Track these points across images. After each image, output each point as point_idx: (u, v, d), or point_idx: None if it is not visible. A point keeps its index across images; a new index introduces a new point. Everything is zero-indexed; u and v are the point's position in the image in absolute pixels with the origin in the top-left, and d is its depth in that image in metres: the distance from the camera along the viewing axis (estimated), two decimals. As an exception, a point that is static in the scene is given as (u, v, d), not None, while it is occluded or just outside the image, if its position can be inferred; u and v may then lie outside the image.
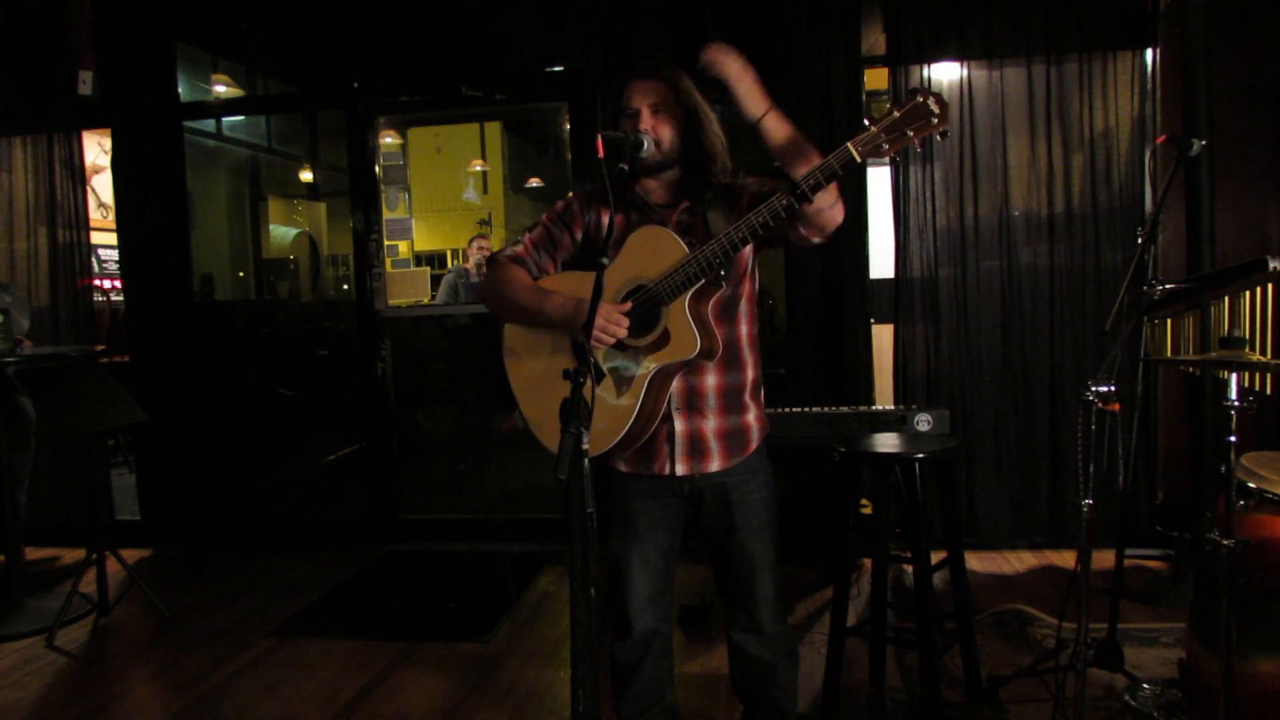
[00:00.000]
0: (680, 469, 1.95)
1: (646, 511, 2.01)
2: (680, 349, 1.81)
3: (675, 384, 1.91)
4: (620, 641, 2.06)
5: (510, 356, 2.07)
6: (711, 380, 1.95)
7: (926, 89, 1.66)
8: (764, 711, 2.11)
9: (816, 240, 1.83)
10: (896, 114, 1.65)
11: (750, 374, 2.01)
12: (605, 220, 2.00)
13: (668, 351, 1.82)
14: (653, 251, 1.83)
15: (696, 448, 1.95)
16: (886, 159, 1.69)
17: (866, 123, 1.67)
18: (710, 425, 1.95)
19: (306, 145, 8.32)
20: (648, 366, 1.84)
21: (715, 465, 1.96)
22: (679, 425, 1.94)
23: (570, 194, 2.10)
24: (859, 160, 1.65)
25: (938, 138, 1.67)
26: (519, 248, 2.06)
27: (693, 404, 1.94)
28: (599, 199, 2.04)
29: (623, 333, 1.81)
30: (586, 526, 1.46)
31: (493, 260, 2.07)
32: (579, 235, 2.04)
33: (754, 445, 2.01)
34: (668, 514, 2.02)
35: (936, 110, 1.63)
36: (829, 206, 1.76)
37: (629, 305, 1.83)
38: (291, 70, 5.85)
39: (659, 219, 1.95)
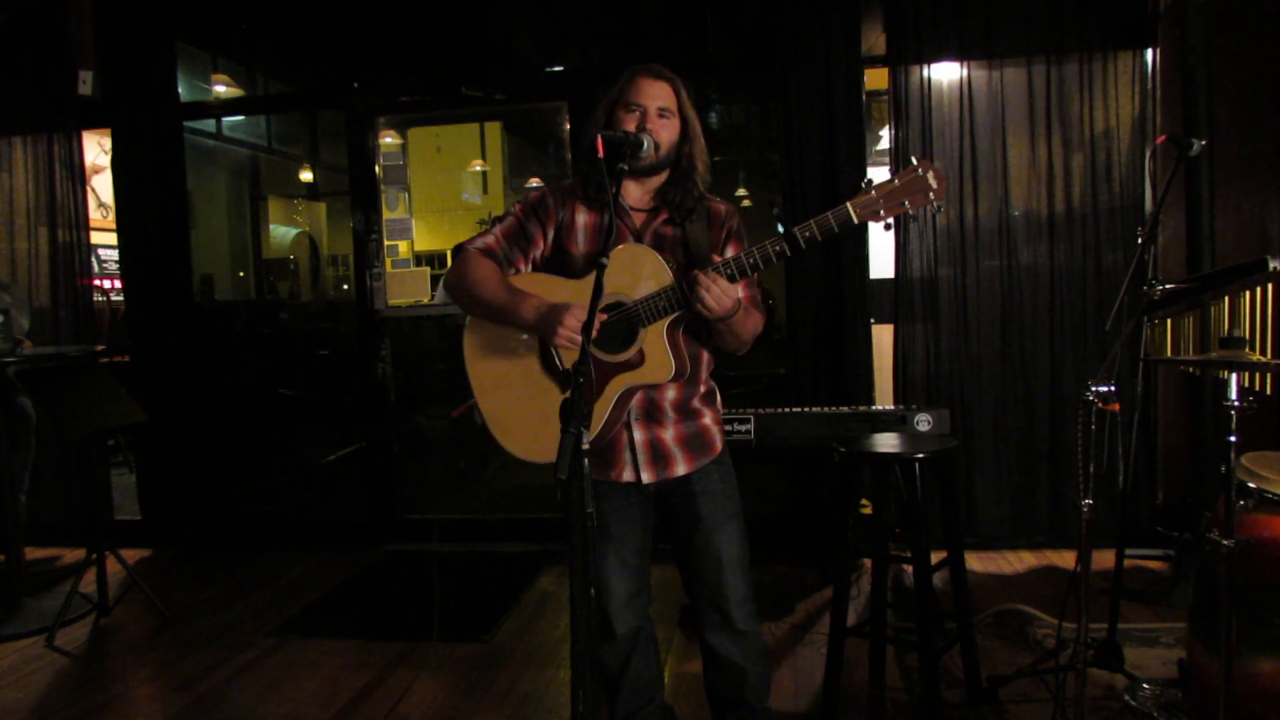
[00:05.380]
0: (645, 476, 1.97)
1: (617, 513, 2.01)
2: (655, 372, 1.84)
3: (635, 396, 1.93)
4: (605, 644, 2.04)
5: (471, 350, 2.00)
6: (670, 394, 1.98)
7: (929, 162, 1.73)
8: (735, 711, 2.10)
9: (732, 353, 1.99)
10: (897, 183, 1.71)
11: (702, 387, 2.05)
12: (580, 219, 1.99)
13: (642, 373, 1.85)
14: (637, 270, 1.84)
15: (659, 454, 1.97)
16: (881, 222, 1.75)
17: (865, 186, 1.73)
18: (669, 434, 1.98)
19: (306, 145, 8.33)
20: (619, 383, 1.86)
21: (681, 469, 1.99)
22: (638, 435, 1.96)
23: (545, 187, 2.08)
24: (856, 222, 1.73)
25: (935, 208, 1.73)
26: (490, 239, 1.99)
27: (651, 415, 1.97)
28: (573, 195, 2.00)
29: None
30: (586, 526, 1.47)
31: (460, 250, 1.99)
32: (550, 232, 2.00)
33: (719, 446, 2.05)
34: (637, 514, 2.04)
35: (934, 185, 1.71)
36: (751, 341, 1.94)
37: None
38: (291, 70, 5.86)
39: (633, 223, 1.97)
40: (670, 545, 2.10)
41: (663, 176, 1.98)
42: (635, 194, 1.99)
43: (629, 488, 1.99)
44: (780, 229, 1.80)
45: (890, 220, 1.74)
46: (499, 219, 2.02)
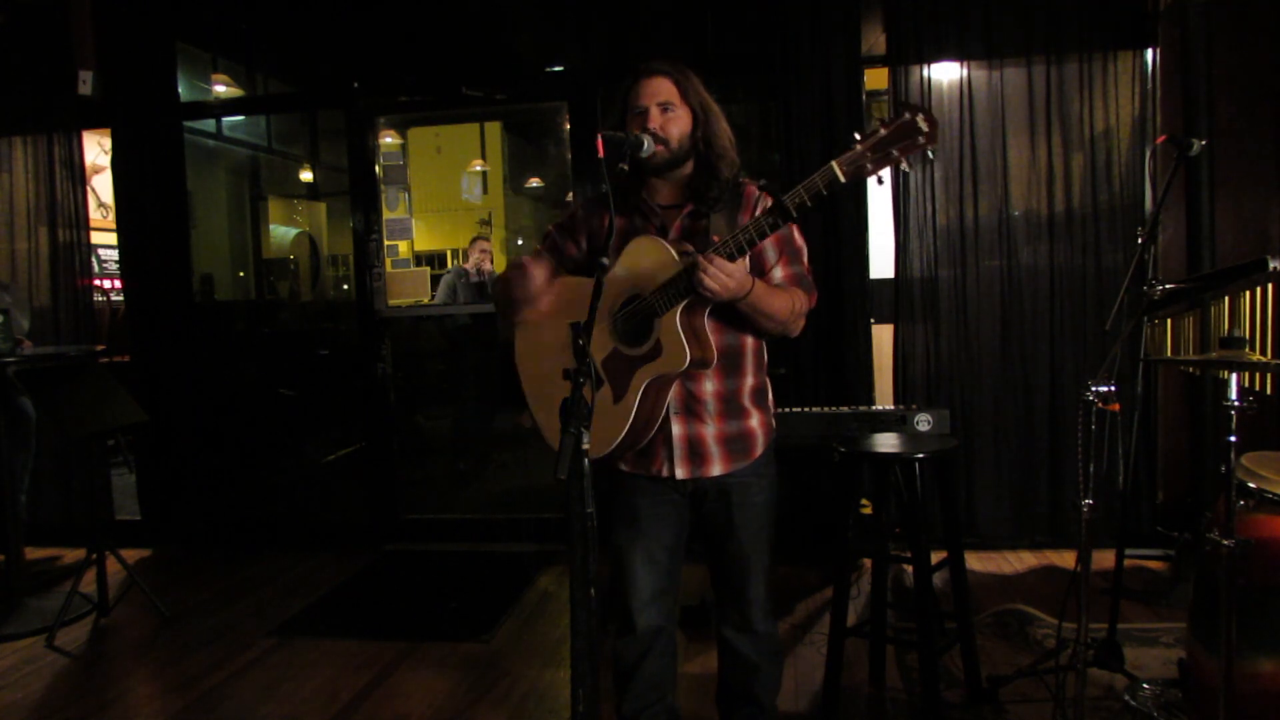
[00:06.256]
0: (680, 472, 1.96)
1: (651, 508, 2.02)
2: (671, 361, 1.82)
3: (673, 389, 1.92)
4: (623, 638, 2.06)
5: (521, 360, 2.09)
6: (710, 386, 1.95)
7: (916, 105, 1.65)
8: (743, 707, 2.11)
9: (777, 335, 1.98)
10: (883, 132, 1.64)
11: (751, 380, 2.01)
12: (606, 223, 2.01)
13: (660, 363, 1.83)
14: (649, 262, 1.84)
15: (696, 451, 1.96)
16: (874, 177, 1.68)
17: (856, 137, 1.66)
18: (710, 430, 1.96)
19: (306, 145, 8.32)
20: (642, 376, 1.85)
21: (717, 469, 1.97)
22: (676, 429, 1.95)
23: (579, 201, 2.13)
24: (843, 180, 1.66)
25: (928, 154, 1.66)
26: (527, 256, 2.10)
27: (691, 409, 1.95)
28: (603, 204, 2.05)
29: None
30: (586, 526, 1.46)
31: (498, 278, 2.13)
32: (583, 243, 2.06)
33: (759, 450, 2.01)
34: (672, 511, 2.03)
35: (925, 129, 1.62)
36: (790, 318, 1.91)
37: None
38: (291, 70, 5.86)
39: (661, 222, 1.96)
40: (701, 545, 2.10)
41: (688, 168, 1.97)
42: (663, 191, 1.99)
43: (665, 484, 1.99)
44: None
45: (881, 175, 1.67)
46: (544, 237, 2.15)
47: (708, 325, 1.86)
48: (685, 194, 1.98)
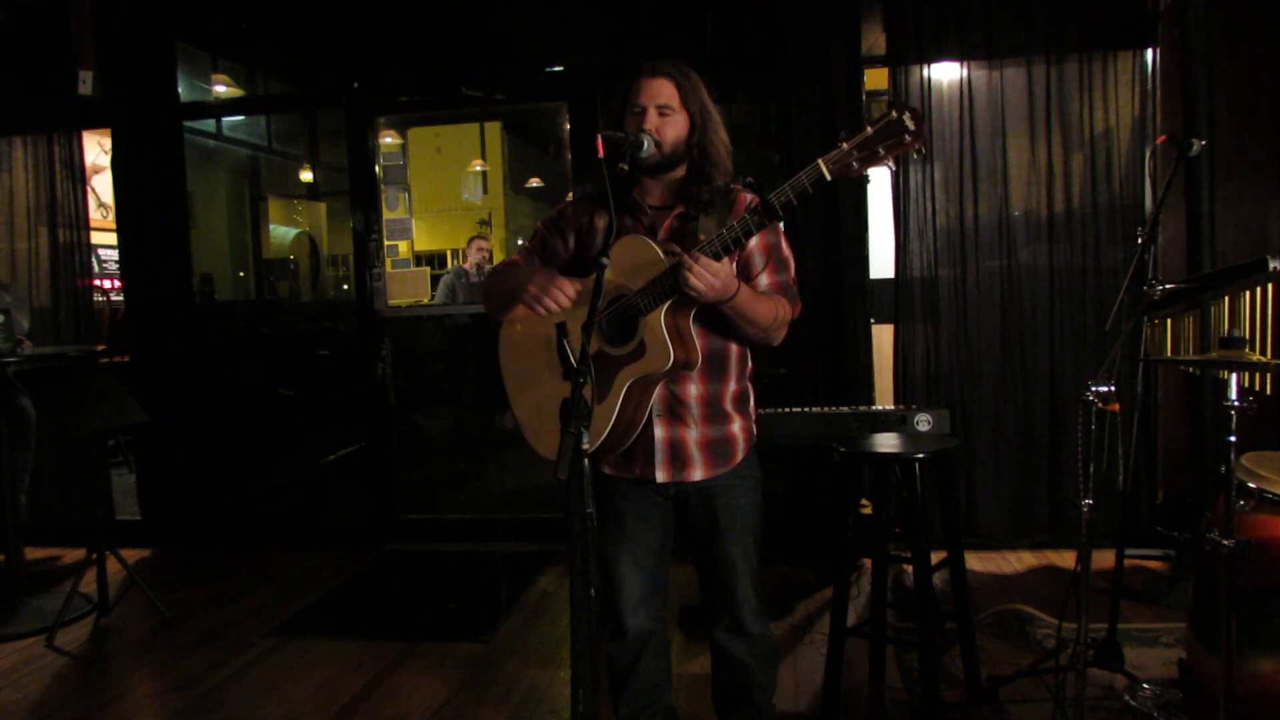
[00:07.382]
0: (661, 475, 1.95)
1: (634, 512, 2.02)
2: (654, 361, 1.81)
3: (657, 391, 1.91)
4: (614, 642, 2.06)
5: (504, 359, 2.08)
6: (694, 389, 1.95)
7: (904, 104, 1.64)
8: (740, 709, 2.11)
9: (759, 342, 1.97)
10: (869, 131, 1.64)
11: (734, 385, 2.00)
12: (600, 223, 2.01)
13: (643, 363, 1.83)
14: (635, 261, 1.83)
15: (678, 455, 1.95)
16: (858, 175, 1.67)
17: (842, 136, 1.66)
18: (693, 434, 1.95)
19: (306, 145, 8.33)
20: (625, 376, 1.84)
21: (698, 474, 1.96)
22: (659, 432, 1.94)
23: (568, 197, 2.13)
24: (829, 178, 1.66)
25: (914, 155, 1.66)
26: (516, 256, 2.11)
27: (675, 412, 1.95)
28: (593, 202, 2.04)
29: (565, 301, 1.83)
30: (586, 526, 1.47)
31: (491, 271, 2.15)
32: (571, 240, 2.05)
33: (740, 456, 2.01)
34: (656, 515, 2.03)
35: (911, 126, 1.61)
36: (774, 326, 1.90)
37: (577, 282, 1.86)
38: (291, 70, 5.86)
39: (651, 222, 1.96)
40: (689, 548, 2.10)
41: (680, 171, 1.97)
42: (655, 192, 1.99)
43: (647, 487, 1.99)
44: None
45: (866, 173, 1.67)
46: (530, 237, 2.13)
47: (693, 328, 1.86)
48: (676, 196, 1.97)
